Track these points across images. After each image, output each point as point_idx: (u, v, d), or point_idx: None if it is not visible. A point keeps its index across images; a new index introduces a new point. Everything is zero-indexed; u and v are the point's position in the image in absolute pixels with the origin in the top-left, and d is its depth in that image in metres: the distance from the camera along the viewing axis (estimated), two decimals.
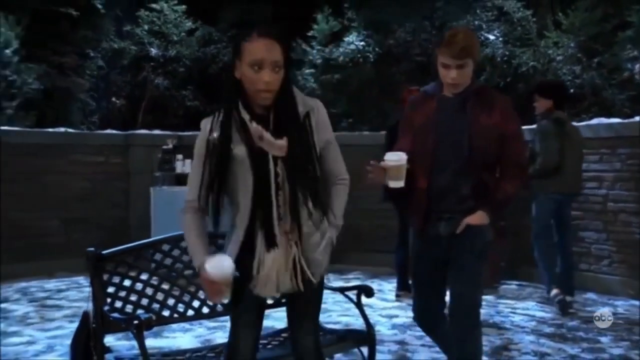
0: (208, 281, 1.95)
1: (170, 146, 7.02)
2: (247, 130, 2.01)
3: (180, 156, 7.02)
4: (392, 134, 5.39)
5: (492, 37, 7.92)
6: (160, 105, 8.60)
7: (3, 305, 5.41)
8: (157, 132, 7.78)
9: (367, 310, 5.08)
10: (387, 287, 5.99)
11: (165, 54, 8.87)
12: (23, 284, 6.25)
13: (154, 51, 8.82)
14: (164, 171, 6.95)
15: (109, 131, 7.84)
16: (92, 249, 2.51)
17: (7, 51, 7.43)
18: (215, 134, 2.02)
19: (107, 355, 2.35)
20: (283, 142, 2.01)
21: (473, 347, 2.56)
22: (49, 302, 5.54)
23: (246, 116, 2.01)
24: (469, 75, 2.53)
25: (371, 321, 4.86)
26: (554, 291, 5.12)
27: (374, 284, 6.12)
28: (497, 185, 2.57)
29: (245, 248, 2.03)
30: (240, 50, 2.01)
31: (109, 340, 2.87)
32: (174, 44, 9.02)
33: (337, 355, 3.56)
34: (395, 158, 2.41)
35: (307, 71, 9.01)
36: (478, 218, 2.53)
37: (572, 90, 6.99)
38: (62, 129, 7.33)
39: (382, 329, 4.53)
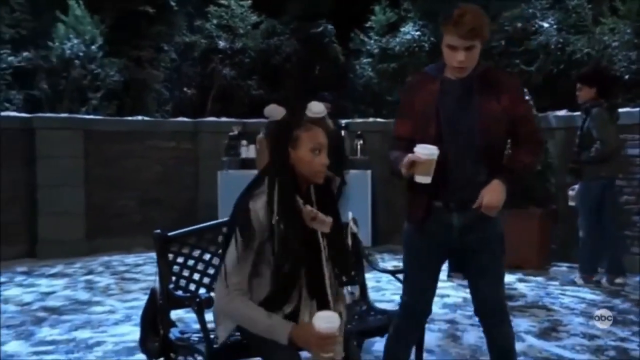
0: (321, 338, 1.92)
1: (236, 133, 7.10)
2: (300, 214, 2.04)
3: (244, 142, 7.10)
4: None
5: (546, 25, 7.57)
6: (227, 94, 8.70)
7: (89, 276, 5.66)
8: (224, 119, 7.87)
9: None
10: None
11: (232, 46, 8.95)
12: (106, 258, 6.51)
13: (221, 44, 8.91)
14: (230, 156, 7.05)
15: (180, 119, 7.99)
16: (158, 230, 2.55)
17: (93, 47, 7.68)
18: (275, 218, 2.00)
19: (172, 330, 2.39)
20: (330, 219, 2.09)
21: (503, 339, 2.43)
22: (128, 275, 5.74)
23: (300, 200, 2.06)
24: (476, 58, 2.22)
25: None
26: (606, 277, 5.06)
27: None
28: (512, 156, 2.30)
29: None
30: (296, 138, 2.05)
31: (179, 312, 2.89)
32: (240, 36, 9.09)
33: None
34: (427, 152, 2.14)
35: (365, 60, 8.90)
36: (495, 189, 2.19)
37: (627, 77, 6.61)
38: (139, 117, 7.54)
39: (433, 308, 4.44)
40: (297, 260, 2.01)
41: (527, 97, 2.48)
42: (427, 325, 4.11)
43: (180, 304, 2.45)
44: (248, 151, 7.06)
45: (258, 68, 8.95)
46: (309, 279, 2.05)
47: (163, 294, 2.42)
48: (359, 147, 6.98)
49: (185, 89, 8.47)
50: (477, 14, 2.19)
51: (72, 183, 6.82)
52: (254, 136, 7.25)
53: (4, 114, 6.73)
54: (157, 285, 2.43)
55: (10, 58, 7.17)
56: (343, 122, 6.78)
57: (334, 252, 2.11)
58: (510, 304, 4.51)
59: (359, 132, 7.05)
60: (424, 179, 2.16)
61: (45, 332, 3.87)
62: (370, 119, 7.95)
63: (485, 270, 2.34)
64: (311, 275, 2.06)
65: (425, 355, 3.39)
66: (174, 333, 2.35)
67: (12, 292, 5.01)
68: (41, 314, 4.32)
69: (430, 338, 3.70)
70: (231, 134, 7.11)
